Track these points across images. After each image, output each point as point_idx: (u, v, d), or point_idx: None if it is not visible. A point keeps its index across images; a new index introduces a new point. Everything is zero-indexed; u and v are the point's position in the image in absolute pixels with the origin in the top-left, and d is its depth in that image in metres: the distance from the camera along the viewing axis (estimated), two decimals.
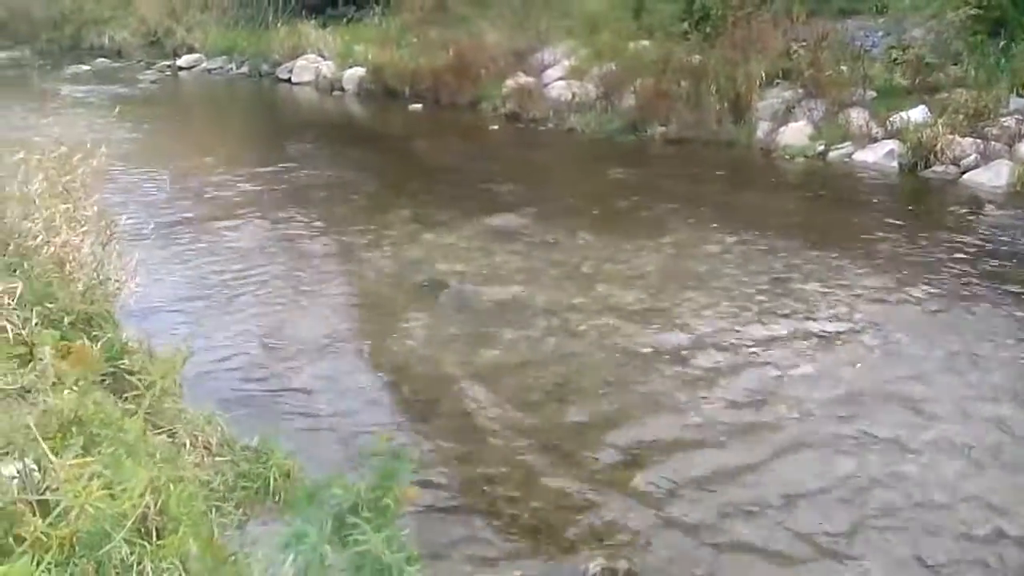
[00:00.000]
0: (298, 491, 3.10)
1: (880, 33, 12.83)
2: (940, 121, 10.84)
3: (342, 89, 18.28)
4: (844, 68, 12.35)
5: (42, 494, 2.23)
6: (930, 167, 10.63)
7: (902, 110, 11.37)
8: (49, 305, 4.24)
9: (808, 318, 6.68)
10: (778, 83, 12.80)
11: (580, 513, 4.41)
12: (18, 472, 2.31)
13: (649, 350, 6.17)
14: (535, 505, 4.45)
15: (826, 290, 7.19)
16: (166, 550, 2.23)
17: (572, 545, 4.18)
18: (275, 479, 3.83)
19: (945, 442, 5.00)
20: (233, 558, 2.50)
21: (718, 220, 9.04)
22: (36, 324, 3.97)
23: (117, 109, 10.71)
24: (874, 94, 12.02)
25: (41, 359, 3.60)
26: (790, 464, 4.84)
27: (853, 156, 11.34)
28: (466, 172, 11.73)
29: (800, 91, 12.46)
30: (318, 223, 9.34)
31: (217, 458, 3.82)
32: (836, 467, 4.78)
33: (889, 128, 11.33)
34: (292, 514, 2.81)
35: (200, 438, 3.88)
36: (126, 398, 3.75)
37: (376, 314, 6.93)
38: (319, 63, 19.20)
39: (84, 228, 5.54)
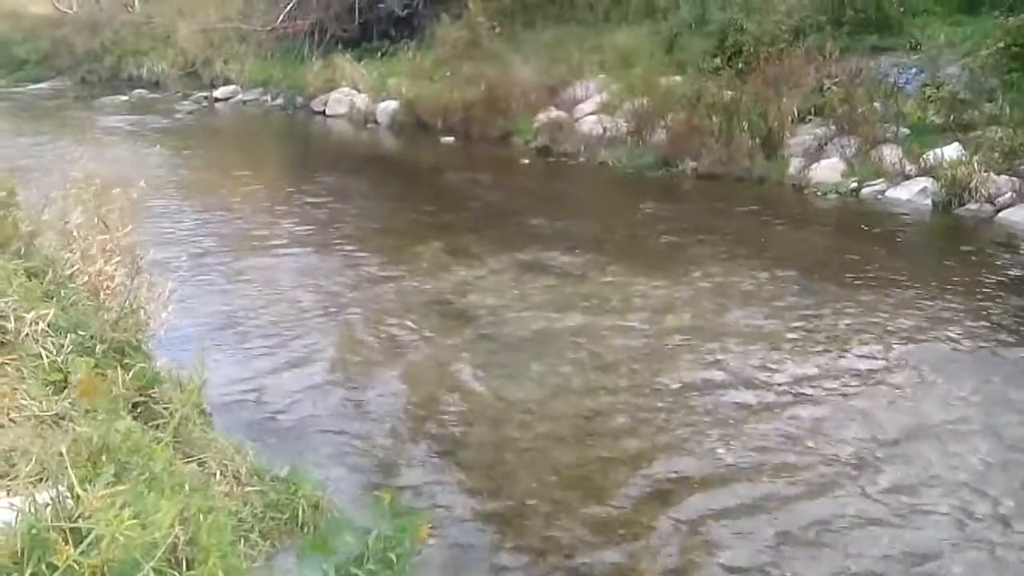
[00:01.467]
0: (305, 538, 3.10)
1: (914, 70, 12.79)
2: (975, 158, 10.75)
3: (375, 122, 18.46)
4: (877, 105, 12.31)
5: (74, 522, 2.23)
6: (964, 205, 10.54)
7: (936, 147, 11.29)
8: (82, 333, 4.28)
9: (840, 356, 6.61)
10: (810, 119, 12.78)
11: (609, 549, 4.37)
12: (51, 499, 2.32)
13: (679, 385, 6.13)
14: (564, 540, 4.41)
15: (859, 328, 7.12)
16: None
17: None
18: (304, 510, 3.82)
19: (978, 483, 4.91)
20: None
21: (749, 256, 9.00)
22: (70, 351, 4.01)
23: (157, 147, 10.86)
24: (907, 131, 11.97)
25: (75, 387, 3.64)
26: (821, 503, 4.77)
27: (886, 193, 11.27)
28: (497, 205, 11.77)
29: (833, 127, 12.42)
30: (350, 254, 9.41)
31: (246, 488, 3.82)
32: (867, 507, 4.71)
33: (923, 165, 11.25)
34: (299, 559, 2.82)
35: (229, 467, 3.89)
36: (156, 426, 3.77)
37: (406, 345, 6.94)
38: (353, 96, 19.42)
39: (118, 258, 5.61)
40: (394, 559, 2.26)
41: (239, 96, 22.52)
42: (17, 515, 2.26)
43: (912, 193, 11.03)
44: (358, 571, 2.18)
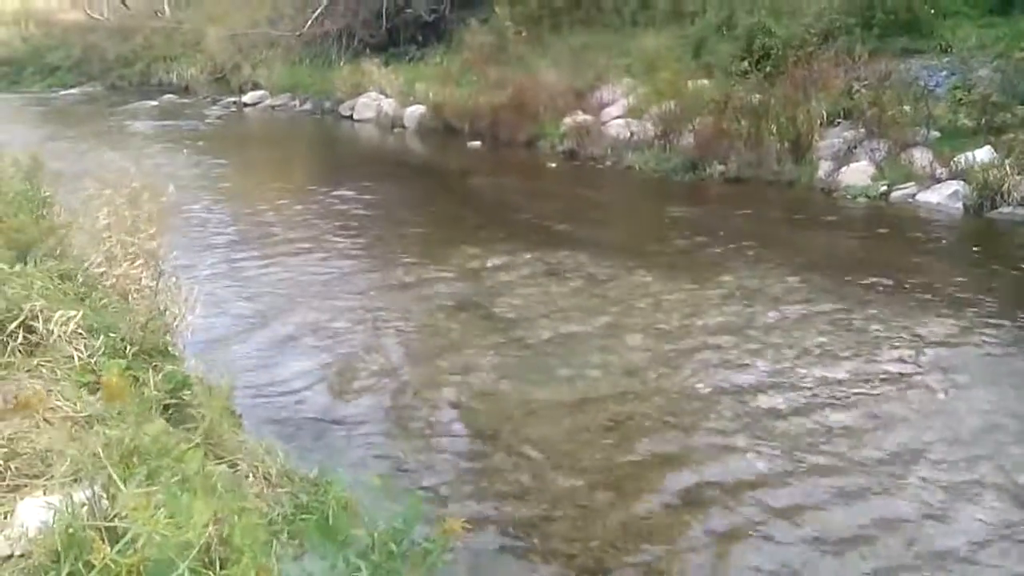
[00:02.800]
0: (312, 528, 3.11)
1: (944, 73, 12.68)
2: (1007, 162, 10.63)
3: (403, 126, 18.55)
4: (907, 108, 12.20)
5: (110, 521, 2.26)
6: (996, 208, 10.42)
7: (967, 150, 11.16)
8: (113, 335, 4.32)
9: (871, 360, 6.55)
10: (839, 123, 12.69)
11: (637, 554, 4.35)
12: (87, 499, 2.34)
13: (709, 390, 6.10)
14: (592, 544, 4.40)
15: (889, 332, 7.05)
16: None
17: None
18: (333, 511, 3.83)
19: (1013, 489, 4.85)
20: None
21: (778, 260, 8.95)
22: (102, 353, 4.05)
23: (185, 151, 10.96)
24: (938, 134, 11.86)
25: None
26: (852, 508, 4.72)
27: (916, 196, 11.17)
28: (524, 209, 11.77)
29: (862, 131, 12.32)
30: (378, 258, 9.45)
31: (277, 489, 3.83)
32: (898, 512, 4.66)
33: (954, 168, 11.14)
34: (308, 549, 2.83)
35: (260, 469, 3.91)
36: (188, 428, 3.79)
37: (433, 348, 6.95)
38: (380, 101, 19.52)
39: (147, 260, 5.66)
40: (395, 548, 2.27)
41: (267, 101, 22.71)
42: (54, 514, 2.28)
43: (943, 196, 10.92)
44: (361, 562, 2.19)
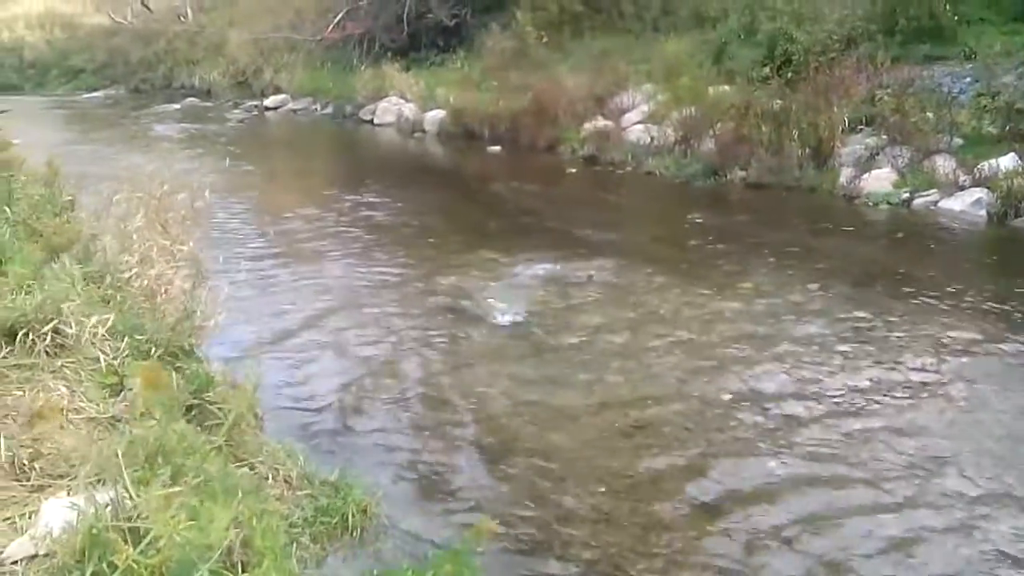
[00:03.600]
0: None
1: (968, 79, 12.57)
2: None
3: (423, 131, 18.59)
4: (930, 115, 12.11)
5: (133, 522, 2.27)
6: (1020, 216, 10.33)
7: (991, 158, 11.07)
8: (139, 337, 4.36)
9: (892, 368, 6.50)
10: (861, 129, 12.62)
11: (657, 560, 4.34)
12: (111, 500, 2.36)
13: (728, 396, 6.08)
14: (611, 550, 4.39)
15: (911, 340, 7.01)
16: None
17: None
18: (353, 515, 3.85)
19: None
20: None
21: (799, 266, 8.91)
22: (127, 355, 4.08)
23: (208, 155, 11.01)
24: (961, 141, 11.77)
25: (131, 389, 3.70)
26: (873, 517, 4.69)
27: (939, 204, 11.09)
28: (544, 214, 11.77)
29: (884, 137, 12.25)
30: (398, 262, 9.48)
31: (297, 492, 3.85)
32: (921, 522, 4.62)
33: (977, 176, 11.05)
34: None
35: (281, 471, 3.93)
36: (209, 430, 3.82)
37: (453, 354, 6.96)
38: (401, 105, 19.58)
39: (172, 261, 5.70)
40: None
41: (289, 105, 22.82)
42: (78, 515, 2.30)
43: (966, 204, 10.84)
44: None
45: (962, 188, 11.11)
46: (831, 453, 5.31)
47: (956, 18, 13.56)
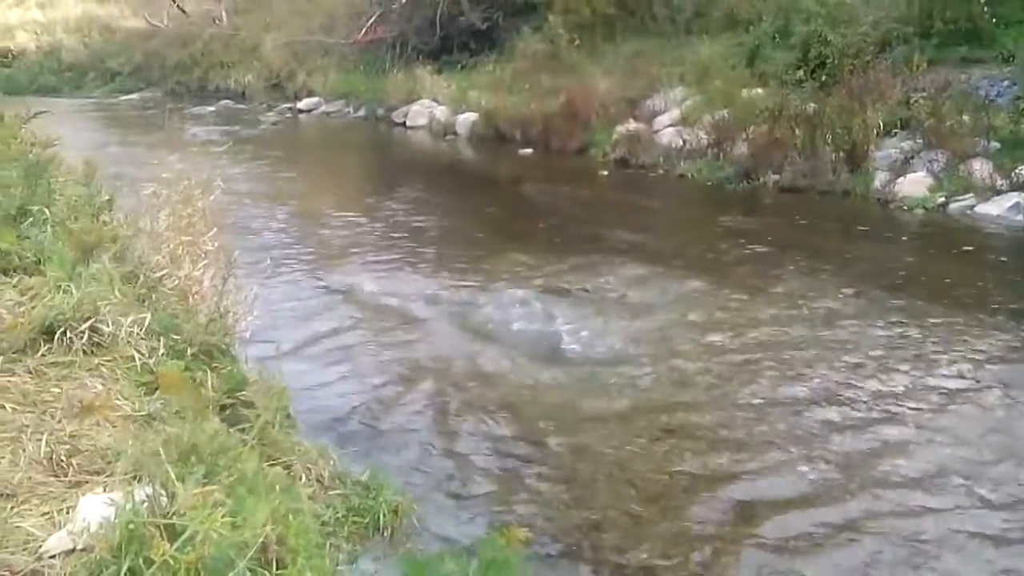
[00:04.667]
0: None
1: (1006, 82, 12.40)
2: None
3: (455, 133, 18.63)
4: (966, 118, 11.98)
5: (169, 519, 2.29)
6: None
7: None
8: (175, 336, 4.39)
9: (928, 375, 6.43)
10: (896, 133, 12.49)
11: (688, 566, 4.32)
12: (147, 496, 2.38)
13: (760, 401, 6.04)
14: (642, 555, 4.37)
15: (947, 347, 6.92)
16: None
17: None
18: (385, 515, 3.87)
19: None
20: None
21: (833, 271, 8.84)
22: (162, 354, 4.12)
23: (243, 157, 11.09)
24: (998, 145, 11.61)
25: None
26: (908, 524, 4.64)
27: (975, 208, 10.96)
28: (575, 217, 11.76)
29: (919, 141, 12.13)
30: (430, 265, 9.50)
31: (329, 491, 3.88)
32: (956, 529, 4.57)
33: (1015, 180, 10.92)
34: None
35: (313, 471, 3.96)
36: (243, 429, 3.84)
37: (484, 355, 6.96)
38: (433, 108, 19.64)
39: (205, 261, 5.76)
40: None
41: (322, 107, 22.96)
42: (116, 510, 2.33)
43: (1003, 209, 10.70)
44: None
45: (999, 192, 10.98)
46: (864, 460, 5.26)
47: (994, 20, 13.37)
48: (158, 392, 3.65)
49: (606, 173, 14.53)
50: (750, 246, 9.90)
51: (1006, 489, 4.92)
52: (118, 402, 3.54)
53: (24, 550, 2.44)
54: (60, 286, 4.25)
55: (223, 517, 2.31)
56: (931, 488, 4.96)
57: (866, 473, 5.12)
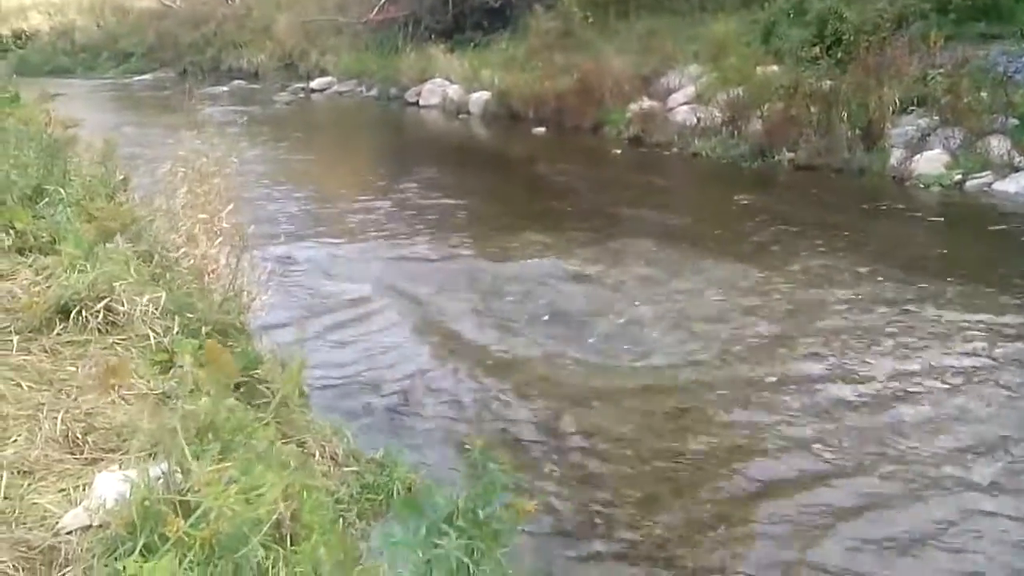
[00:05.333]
0: (397, 501, 3.15)
1: None
2: None
3: (468, 112, 18.59)
4: (984, 95, 11.85)
5: (184, 495, 2.31)
6: None
7: None
8: (189, 315, 4.41)
9: (944, 353, 6.40)
10: (913, 110, 12.38)
11: (701, 543, 4.32)
12: (162, 473, 2.40)
13: (774, 379, 6.03)
14: (656, 532, 4.38)
15: (963, 325, 6.88)
16: (300, 556, 2.28)
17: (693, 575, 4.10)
18: (398, 492, 3.88)
19: None
20: (362, 568, 2.53)
21: (849, 249, 8.79)
22: (177, 333, 4.13)
23: (256, 137, 11.09)
24: (1016, 122, 11.49)
25: (181, 366, 3.75)
26: (922, 503, 4.63)
27: (993, 186, 10.87)
28: (589, 196, 11.73)
29: (936, 118, 12.00)
30: (444, 242, 9.50)
31: (343, 469, 3.89)
32: (971, 508, 4.56)
33: None
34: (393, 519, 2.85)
35: (327, 448, 3.97)
36: (258, 406, 3.86)
37: (498, 333, 6.96)
38: (446, 87, 19.59)
39: (220, 239, 5.77)
40: (481, 515, 2.28)
41: (334, 87, 22.93)
42: (131, 487, 2.34)
43: (1021, 186, 10.60)
44: (449, 528, 2.21)
45: (1017, 170, 10.88)
46: (879, 437, 5.25)
47: None
48: (184, 366, 3.67)
49: (620, 152, 14.47)
50: (765, 225, 9.85)
51: (1021, 467, 4.90)
52: (133, 381, 3.56)
53: (41, 526, 2.47)
54: (75, 265, 4.27)
55: (237, 494, 2.32)
56: (947, 467, 4.93)
57: (881, 452, 5.10)
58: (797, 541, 4.33)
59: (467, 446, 2.48)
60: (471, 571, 2.12)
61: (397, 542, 2.12)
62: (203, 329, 4.34)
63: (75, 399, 3.22)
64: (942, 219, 10.26)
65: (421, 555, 2.11)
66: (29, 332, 3.72)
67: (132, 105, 21.75)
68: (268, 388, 3.96)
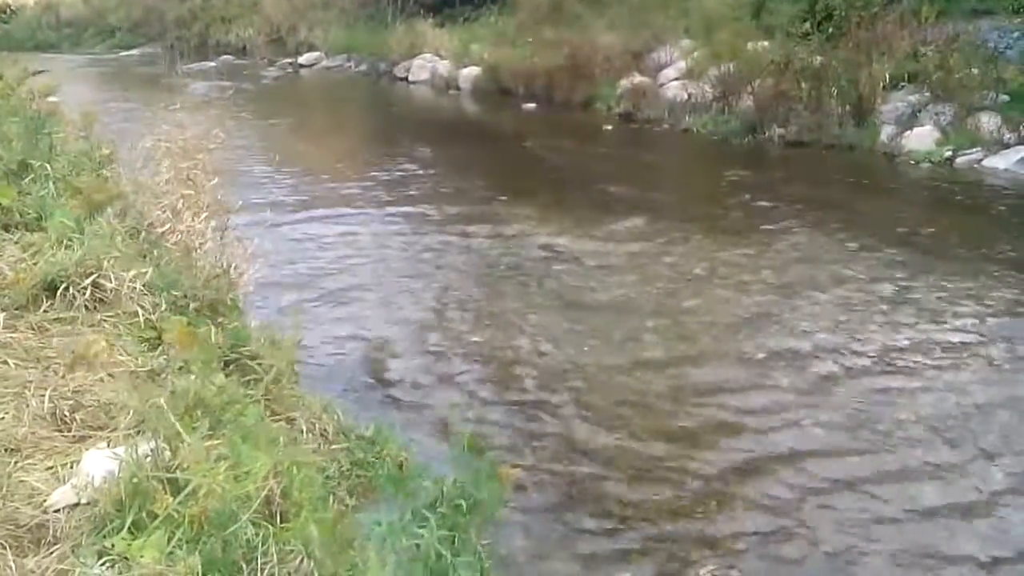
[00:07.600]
0: (383, 479, 3.15)
1: (1016, 34, 12.25)
2: None
3: (457, 88, 18.50)
4: (975, 71, 11.85)
5: (172, 472, 2.29)
6: None
7: None
8: (175, 292, 4.38)
9: (933, 328, 6.42)
10: (903, 86, 12.37)
11: (691, 517, 4.33)
12: (151, 450, 2.38)
13: (764, 355, 6.03)
14: (646, 508, 4.39)
15: (952, 300, 6.91)
16: (290, 533, 2.27)
17: (683, 550, 4.11)
18: (389, 468, 3.87)
19: None
20: (351, 544, 2.53)
21: (839, 225, 8.79)
22: (165, 310, 4.10)
23: (244, 112, 11.02)
24: (1007, 98, 11.50)
25: (169, 343, 3.73)
26: (911, 478, 4.65)
27: (983, 162, 10.89)
28: (579, 172, 11.70)
29: (927, 94, 12.01)
30: (433, 218, 9.48)
31: (333, 446, 3.88)
32: (961, 482, 4.59)
33: (1023, 133, 10.82)
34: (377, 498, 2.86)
35: (317, 425, 3.95)
36: (248, 383, 3.84)
37: (487, 309, 6.96)
38: (435, 62, 19.48)
39: (206, 215, 5.72)
40: (464, 504, 2.29)
41: (323, 62, 22.77)
42: (119, 464, 2.33)
43: (1010, 162, 10.63)
44: (430, 515, 2.22)
45: (1007, 146, 10.91)
46: (868, 413, 5.26)
47: None
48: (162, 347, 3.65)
49: (610, 127, 14.43)
50: (755, 200, 9.84)
51: (1010, 444, 4.92)
52: (121, 357, 3.53)
53: (29, 504, 2.45)
54: (62, 242, 4.23)
55: (226, 471, 2.31)
56: (935, 442, 4.96)
57: (870, 427, 5.12)
58: (787, 516, 4.35)
59: (454, 433, 2.48)
60: (450, 562, 2.13)
61: (381, 529, 2.13)
62: (191, 306, 4.31)
63: (63, 376, 3.19)
64: (932, 195, 10.28)
65: (404, 542, 2.11)
66: (16, 309, 3.68)
67: (118, 81, 21.55)
68: (259, 365, 3.94)
